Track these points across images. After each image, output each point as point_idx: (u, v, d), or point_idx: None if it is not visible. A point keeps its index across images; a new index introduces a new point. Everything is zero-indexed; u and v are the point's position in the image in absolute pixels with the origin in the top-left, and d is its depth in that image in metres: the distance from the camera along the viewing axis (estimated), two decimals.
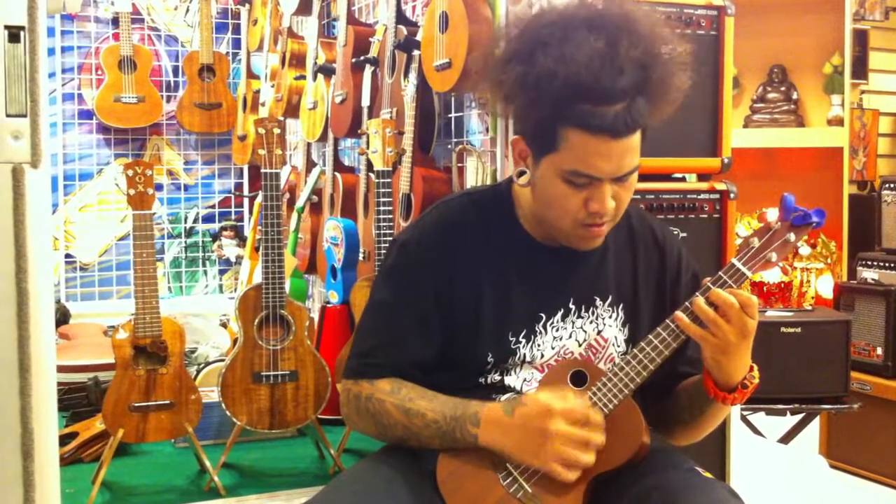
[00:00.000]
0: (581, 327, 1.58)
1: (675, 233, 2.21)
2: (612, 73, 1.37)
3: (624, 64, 1.37)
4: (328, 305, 3.19)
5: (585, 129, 1.39)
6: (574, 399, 1.43)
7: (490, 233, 1.58)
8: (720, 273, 1.44)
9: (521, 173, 1.54)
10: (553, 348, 1.56)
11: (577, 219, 1.47)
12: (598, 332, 1.59)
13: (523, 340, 1.55)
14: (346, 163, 3.82)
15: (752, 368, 1.48)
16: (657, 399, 1.64)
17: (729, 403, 1.48)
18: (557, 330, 1.57)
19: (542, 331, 1.56)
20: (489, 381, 1.55)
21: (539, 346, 1.56)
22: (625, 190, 1.47)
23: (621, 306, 1.61)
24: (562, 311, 1.57)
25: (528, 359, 1.56)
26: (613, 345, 1.60)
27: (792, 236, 1.43)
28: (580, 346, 1.58)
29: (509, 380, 1.56)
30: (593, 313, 1.59)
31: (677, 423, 1.62)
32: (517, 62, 1.43)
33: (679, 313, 1.43)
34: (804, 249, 4.00)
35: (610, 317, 1.60)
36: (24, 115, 1.42)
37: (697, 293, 1.44)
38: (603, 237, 1.52)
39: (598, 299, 1.59)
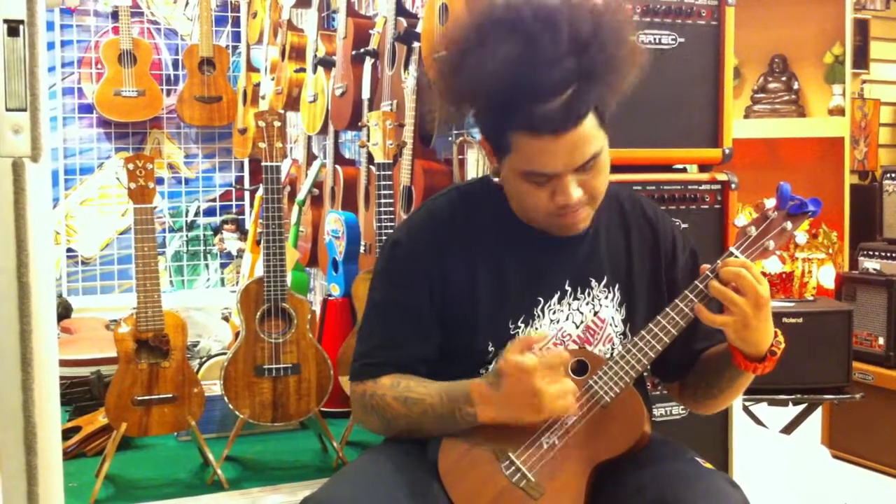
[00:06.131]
0: (578, 309, 1.58)
1: (676, 224, 2.22)
2: (540, 68, 1.35)
3: (552, 56, 1.36)
4: (330, 298, 3.19)
5: (528, 132, 1.40)
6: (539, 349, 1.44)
7: (481, 222, 1.59)
8: (719, 261, 1.44)
9: (496, 170, 1.56)
10: (551, 332, 1.57)
11: (549, 211, 1.48)
12: (595, 314, 1.59)
13: (522, 325, 1.56)
14: (347, 155, 3.82)
15: (776, 334, 1.48)
16: (678, 377, 1.66)
17: (761, 373, 1.49)
18: (555, 313, 1.57)
19: (540, 315, 1.56)
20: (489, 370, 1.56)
21: (537, 329, 1.56)
22: (593, 176, 1.46)
23: (617, 286, 1.61)
24: (558, 293, 1.57)
25: (518, 338, 1.55)
26: (611, 325, 1.60)
27: (789, 225, 1.44)
28: (578, 328, 1.58)
29: None
30: (589, 295, 1.59)
31: (705, 396, 1.62)
32: (453, 72, 1.45)
33: (698, 305, 1.44)
34: (801, 238, 4.00)
35: (606, 297, 1.60)
36: (24, 109, 1.42)
37: (697, 281, 1.45)
38: (586, 220, 1.52)
39: (593, 280, 1.59)
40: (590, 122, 1.41)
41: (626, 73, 1.43)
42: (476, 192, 1.63)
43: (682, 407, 2.20)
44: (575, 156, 1.42)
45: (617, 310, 1.61)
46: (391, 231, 2.43)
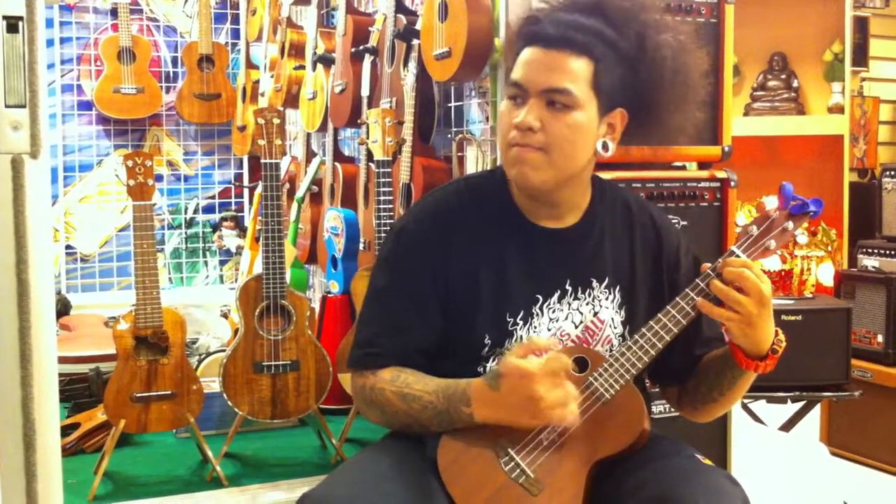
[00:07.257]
0: (578, 309, 1.58)
1: (675, 221, 2.22)
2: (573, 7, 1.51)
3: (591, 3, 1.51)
4: (329, 295, 3.19)
5: (528, 44, 1.51)
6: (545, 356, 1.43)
7: (486, 215, 1.59)
8: (720, 260, 1.45)
9: None
10: (549, 330, 1.57)
11: (509, 139, 1.51)
12: (595, 314, 1.59)
13: (520, 322, 1.55)
14: (346, 153, 3.82)
15: (777, 333, 1.49)
16: (678, 382, 1.66)
17: (762, 371, 1.50)
18: (554, 312, 1.57)
19: (539, 313, 1.56)
20: (488, 368, 1.56)
21: (536, 328, 1.56)
22: (555, 118, 1.48)
23: (618, 288, 1.61)
24: (558, 292, 1.57)
25: (524, 341, 1.55)
26: (610, 326, 1.60)
27: (790, 225, 1.45)
28: (577, 328, 1.58)
29: None
30: (590, 295, 1.59)
31: (706, 400, 1.61)
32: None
33: (701, 300, 1.44)
34: (802, 238, 4.00)
35: (606, 298, 1.60)
36: (24, 106, 1.42)
37: (698, 279, 1.45)
38: (536, 170, 1.50)
39: (594, 281, 1.59)
40: (579, 65, 1.48)
41: (640, 70, 1.51)
42: (483, 184, 1.64)
43: None
44: (547, 75, 1.48)
45: (617, 311, 1.61)
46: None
